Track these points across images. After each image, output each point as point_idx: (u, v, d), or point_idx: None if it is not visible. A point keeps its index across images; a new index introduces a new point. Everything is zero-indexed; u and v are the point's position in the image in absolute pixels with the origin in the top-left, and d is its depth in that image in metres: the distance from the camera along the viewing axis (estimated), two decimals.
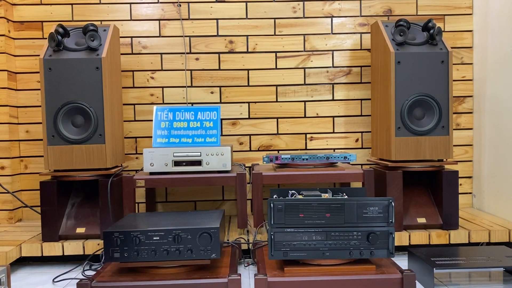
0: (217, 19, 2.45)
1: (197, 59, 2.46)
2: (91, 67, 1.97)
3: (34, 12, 2.41)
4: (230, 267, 1.62)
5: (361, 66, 2.50)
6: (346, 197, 1.63)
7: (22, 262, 2.03)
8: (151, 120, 2.43)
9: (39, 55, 2.03)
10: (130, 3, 2.43)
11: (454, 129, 2.49)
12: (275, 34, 2.47)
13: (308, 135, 2.51)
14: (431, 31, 2.04)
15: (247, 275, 1.81)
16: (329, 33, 2.49)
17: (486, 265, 1.61)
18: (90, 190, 2.09)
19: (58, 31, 1.98)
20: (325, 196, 1.63)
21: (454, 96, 2.48)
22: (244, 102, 2.48)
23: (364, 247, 1.51)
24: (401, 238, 1.98)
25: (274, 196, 1.68)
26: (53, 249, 1.93)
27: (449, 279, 1.74)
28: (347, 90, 2.50)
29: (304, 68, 2.48)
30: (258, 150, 2.50)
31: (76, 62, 1.97)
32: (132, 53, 2.44)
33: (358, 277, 1.49)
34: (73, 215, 2.05)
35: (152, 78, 2.45)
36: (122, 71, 2.41)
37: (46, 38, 2.35)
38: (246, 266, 1.91)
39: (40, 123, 2.39)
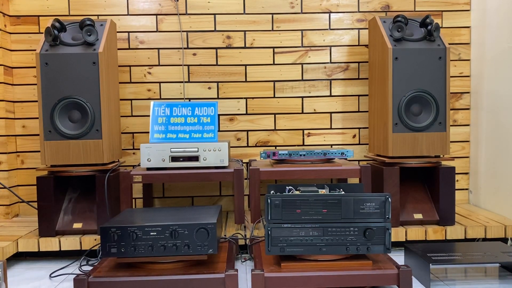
0: (214, 14, 2.45)
1: (194, 54, 2.45)
2: (88, 62, 1.96)
3: (30, 6, 2.39)
4: (227, 263, 1.62)
5: (358, 62, 2.49)
6: (343, 193, 1.63)
7: (19, 257, 2.02)
8: (148, 116, 2.43)
9: (35, 50, 2.02)
10: None
11: (451, 125, 2.50)
12: (272, 30, 2.47)
13: (306, 131, 2.50)
14: (429, 27, 2.04)
15: (244, 271, 1.81)
16: (327, 29, 2.48)
17: (482, 260, 1.62)
18: (87, 185, 2.09)
19: (55, 25, 1.97)
20: (322, 192, 1.63)
21: (451, 92, 2.49)
22: (241, 98, 2.47)
23: (361, 243, 1.51)
24: (397, 233, 1.98)
25: (271, 191, 1.68)
26: (50, 244, 1.93)
27: (445, 274, 1.74)
28: (344, 86, 2.50)
29: (302, 64, 2.48)
30: (256, 146, 2.50)
31: (73, 57, 1.96)
32: (129, 48, 2.43)
33: (354, 272, 1.50)
34: (70, 211, 2.05)
35: (149, 73, 2.45)
36: (119, 66, 2.40)
37: (42, 33, 2.34)
38: (243, 262, 1.92)
39: (37, 118, 2.38)
